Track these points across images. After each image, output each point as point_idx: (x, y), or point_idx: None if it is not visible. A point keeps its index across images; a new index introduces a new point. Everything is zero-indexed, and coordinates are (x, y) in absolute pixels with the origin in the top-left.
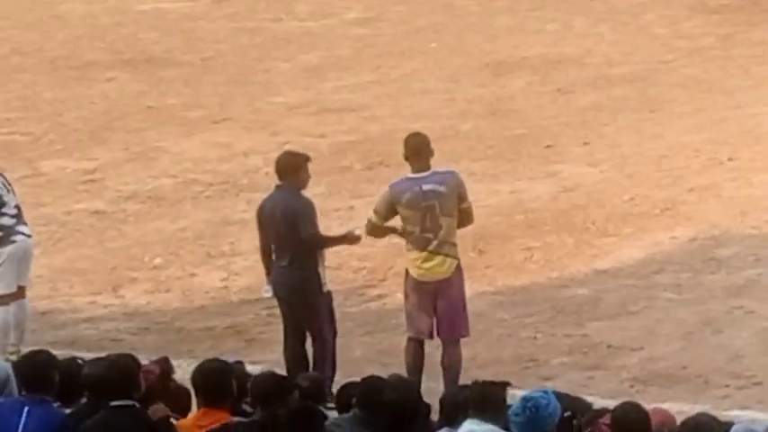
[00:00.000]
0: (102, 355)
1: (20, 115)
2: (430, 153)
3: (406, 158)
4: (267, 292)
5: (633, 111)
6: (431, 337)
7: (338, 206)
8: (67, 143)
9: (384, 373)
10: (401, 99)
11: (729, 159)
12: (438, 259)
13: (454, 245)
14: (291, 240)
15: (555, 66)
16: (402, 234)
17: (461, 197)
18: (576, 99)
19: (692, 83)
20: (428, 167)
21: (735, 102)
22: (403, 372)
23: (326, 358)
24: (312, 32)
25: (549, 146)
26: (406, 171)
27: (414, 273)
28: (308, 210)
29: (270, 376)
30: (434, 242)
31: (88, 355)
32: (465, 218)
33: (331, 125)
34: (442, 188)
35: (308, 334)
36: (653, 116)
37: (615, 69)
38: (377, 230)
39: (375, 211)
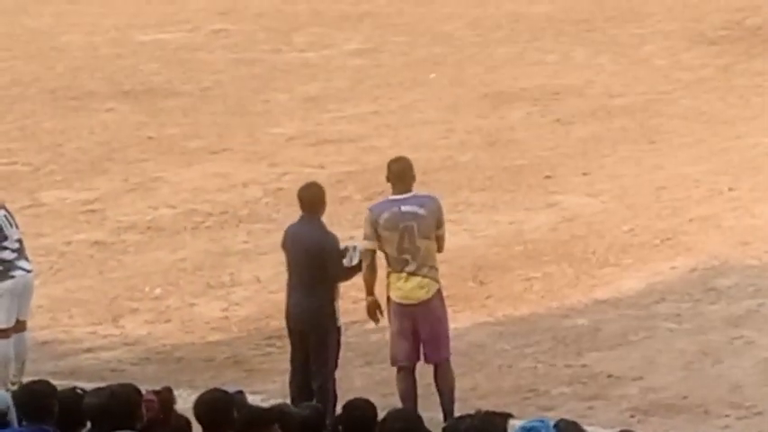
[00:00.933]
0: (103, 385)
1: (20, 146)
2: (412, 177)
3: (389, 180)
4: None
5: (633, 141)
6: (413, 361)
7: (338, 236)
8: (67, 174)
9: (384, 404)
10: (400, 130)
11: (730, 190)
12: (416, 281)
13: (434, 268)
14: (312, 274)
15: (554, 97)
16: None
17: (439, 222)
18: (576, 130)
19: (692, 114)
20: (409, 191)
21: (735, 132)
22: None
23: (328, 390)
24: (311, 63)
25: (548, 176)
26: None
27: (393, 295)
28: (336, 247)
29: (254, 408)
30: (412, 264)
31: (89, 386)
32: (439, 245)
33: (330, 156)
34: (421, 210)
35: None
36: (653, 147)
37: (615, 100)
38: (371, 265)
39: (365, 237)
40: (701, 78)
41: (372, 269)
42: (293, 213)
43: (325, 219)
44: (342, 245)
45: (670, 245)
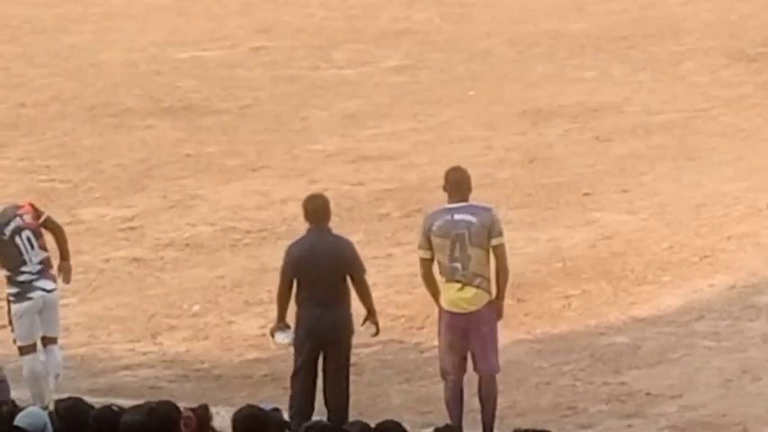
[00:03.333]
0: (142, 402)
1: (59, 162)
2: (468, 188)
3: (445, 189)
4: (287, 338)
5: (672, 159)
6: (461, 374)
7: (376, 254)
8: (106, 191)
9: (422, 421)
10: (439, 147)
11: None
12: (468, 290)
13: (486, 279)
14: (336, 284)
15: (593, 114)
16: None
17: (492, 232)
18: (615, 147)
19: (731, 131)
20: (465, 200)
21: None
22: (444, 420)
23: (348, 401)
24: (350, 80)
25: (587, 194)
26: None
27: (443, 304)
28: (356, 250)
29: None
30: (462, 272)
31: (127, 403)
32: (497, 257)
33: (369, 173)
34: (473, 219)
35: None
36: (692, 164)
37: (654, 117)
38: (427, 274)
39: (419, 246)
40: (740, 95)
41: (429, 279)
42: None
43: (362, 236)
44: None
45: (709, 262)
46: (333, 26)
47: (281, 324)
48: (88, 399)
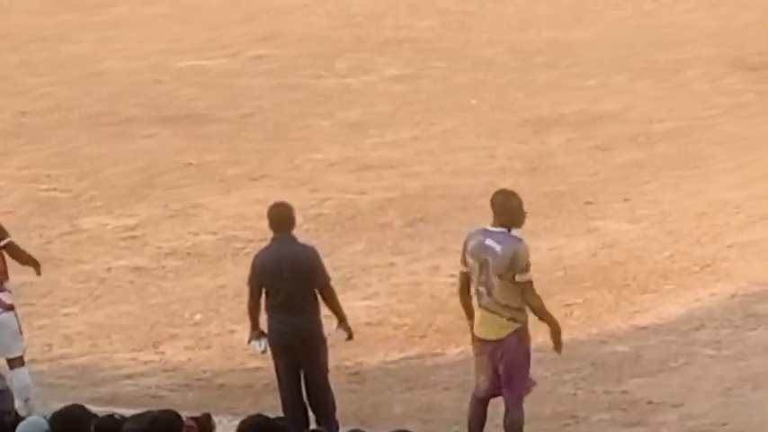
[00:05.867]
0: (143, 411)
1: (60, 172)
2: (508, 213)
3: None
4: (261, 346)
5: (673, 167)
6: (487, 396)
7: (378, 263)
8: (107, 200)
9: (425, 430)
10: (441, 155)
11: None
12: (492, 318)
13: (512, 308)
14: (302, 290)
15: (595, 122)
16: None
17: (515, 268)
18: (616, 156)
19: (733, 139)
20: (504, 225)
21: None
22: (444, 429)
23: (334, 406)
24: (352, 89)
25: (588, 202)
26: (447, 227)
27: (474, 329)
28: (320, 259)
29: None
30: (486, 298)
31: (128, 412)
32: (523, 293)
33: (371, 182)
34: (498, 248)
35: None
36: (693, 173)
37: (655, 126)
38: (462, 289)
39: (461, 260)
40: (741, 104)
41: (463, 294)
42: (334, 239)
43: (365, 244)
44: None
45: (710, 271)
46: (335, 35)
47: (256, 332)
48: (90, 408)
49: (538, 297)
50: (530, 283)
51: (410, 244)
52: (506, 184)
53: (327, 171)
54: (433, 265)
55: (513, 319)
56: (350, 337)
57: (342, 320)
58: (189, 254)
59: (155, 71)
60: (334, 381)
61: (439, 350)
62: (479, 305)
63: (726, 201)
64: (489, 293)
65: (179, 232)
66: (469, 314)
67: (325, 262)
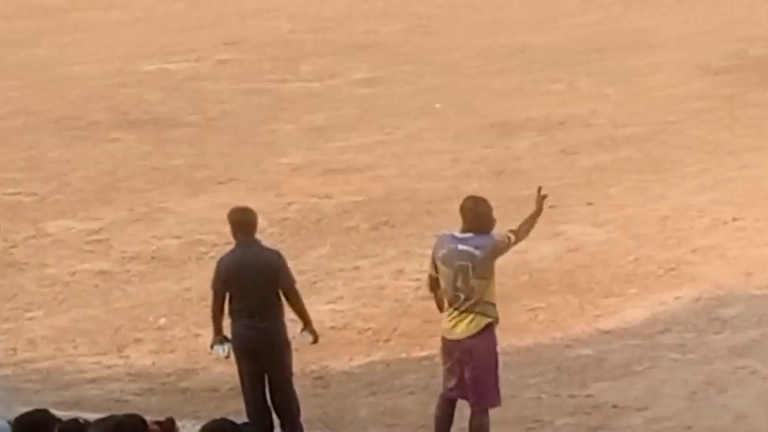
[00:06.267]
0: (108, 414)
1: (25, 175)
2: (478, 218)
3: (461, 215)
4: (224, 351)
5: (638, 171)
6: (456, 398)
7: (343, 266)
8: (72, 203)
9: None
10: (406, 159)
11: (734, 220)
12: (466, 318)
13: (488, 304)
14: (267, 294)
15: (560, 126)
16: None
17: (497, 250)
18: (581, 160)
19: (697, 144)
20: (474, 230)
21: (740, 162)
22: None
23: (298, 410)
24: (317, 93)
25: (553, 206)
26: (412, 231)
27: (443, 331)
28: (285, 262)
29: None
30: (465, 303)
31: (93, 416)
32: (519, 233)
33: (336, 185)
34: (476, 252)
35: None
36: (658, 177)
37: (620, 130)
38: (434, 288)
39: (430, 264)
40: (706, 108)
41: (436, 288)
42: (299, 243)
43: (330, 248)
44: (217, 338)
45: (674, 275)
46: (300, 39)
47: (219, 337)
48: (54, 412)
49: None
50: (512, 231)
51: (375, 248)
52: (471, 188)
53: (293, 175)
54: (397, 268)
55: (484, 314)
56: (315, 341)
57: (307, 324)
58: (154, 258)
59: (120, 75)
60: (299, 385)
61: (404, 354)
62: (455, 309)
63: (690, 205)
64: (468, 297)
65: (144, 236)
66: (441, 306)
67: (290, 266)
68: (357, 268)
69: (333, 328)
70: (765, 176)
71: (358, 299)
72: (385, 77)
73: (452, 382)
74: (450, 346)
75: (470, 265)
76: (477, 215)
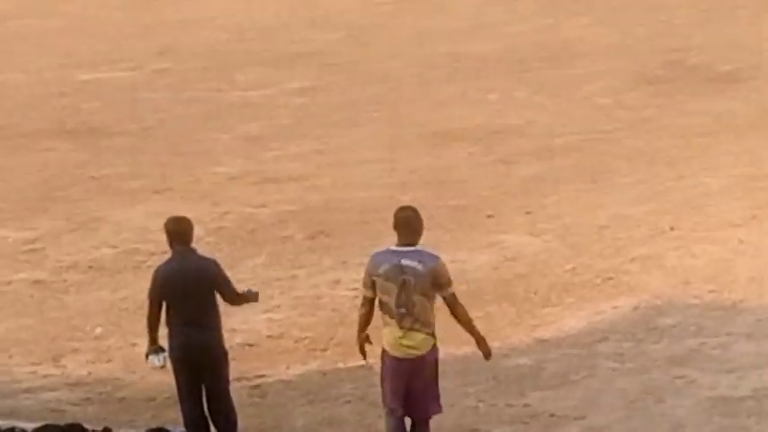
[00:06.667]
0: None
1: None
2: (416, 230)
3: (395, 229)
4: (159, 361)
5: (575, 181)
6: (404, 415)
7: (279, 276)
8: (8, 213)
9: None
10: (342, 169)
11: (671, 229)
12: (414, 336)
13: (431, 324)
14: (204, 303)
15: (496, 136)
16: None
17: (440, 283)
18: (518, 169)
19: (634, 153)
20: (413, 244)
21: (676, 172)
22: None
23: (235, 419)
24: (253, 102)
25: (490, 216)
26: (348, 240)
27: (389, 349)
28: (222, 269)
29: None
30: (408, 319)
31: (29, 426)
32: (450, 306)
33: (272, 195)
34: (419, 267)
35: (203, 396)
36: (595, 186)
37: (556, 140)
38: (367, 314)
39: (363, 284)
40: (641, 118)
41: (367, 315)
42: (235, 252)
43: (265, 258)
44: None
45: (612, 284)
46: (235, 48)
47: (154, 347)
48: None
49: (465, 309)
50: (454, 296)
51: (311, 257)
52: (408, 197)
53: (228, 184)
54: (334, 278)
55: (432, 335)
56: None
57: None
58: (90, 267)
59: (56, 85)
60: (236, 394)
61: (340, 363)
62: (399, 325)
63: (627, 214)
64: (410, 313)
65: (80, 245)
66: (361, 333)
67: (227, 275)
68: (294, 277)
69: (270, 337)
70: (701, 186)
71: (295, 308)
72: (320, 87)
73: (398, 402)
74: (399, 365)
75: (413, 280)
76: (413, 226)
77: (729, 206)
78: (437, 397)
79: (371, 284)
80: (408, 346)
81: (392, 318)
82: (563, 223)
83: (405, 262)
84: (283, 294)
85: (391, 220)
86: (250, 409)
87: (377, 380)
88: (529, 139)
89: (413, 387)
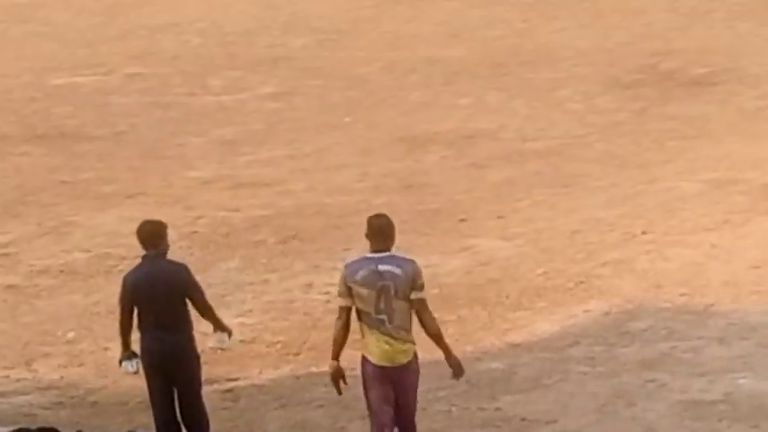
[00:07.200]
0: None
1: None
2: (390, 236)
3: (367, 237)
4: (132, 366)
5: (547, 185)
6: (393, 428)
7: (252, 280)
8: None
9: None
10: (315, 173)
11: (643, 233)
12: (398, 344)
13: (408, 330)
14: (175, 308)
15: (469, 140)
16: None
17: (415, 285)
18: (490, 173)
19: (606, 158)
20: (388, 250)
21: (649, 176)
22: None
23: (207, 424)
24: (226, 107)
25: (462, 220)
26: (321, 245)
27: (372, 357)
28: (192, 275)
29: None
30: (388, 325)
31: (2, 429)
32: (419, 310)
33: (245, 199)
34: (398, 271)
35: (175, 401)
36: (567, 191)
37: (529, 144)
38: (345, 324)
39: (339, 294)
40: (615, 122)
41: (345, 328)
42: (207, 257)
43: (238, 262)
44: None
45: (584, 288)
46: (208, 53)
47: (127, 353)
48: None
49: (435, 318)
50: (425, 301)
51: (284, 261)
52: (380, 201)
53: (202, 189)
54: (306, 282)
55: (413, 342)
56: (230, 335)
57: (220, 327)
58: (62, 271)
59: (28, 89)
60: (208, 398)
61: (313, 367)
62: (380, 333)
63: (599, 218)
64: (391, 320)
65: (52, 250)
66: (337, 353)
67: (199, 279)
68: (266, 282)
69: (242, 341)
70: (674, 190)
71: (267, 312)
72: (293, 91)
73: (386, 408)
74: (384, 373)
75: (393, 285)
76: (388, 232)
77: (702, 210)
78: (416, 407)
79: (348, 293)
80: (396, 354)
81: (372, 325)
82: (535, 227)
83: (382, 267)
84: (256, 299)
85: (364, 225)
86: (223, 413)
87: (349, 383)
88: (501, 143)
89: (398, 396)
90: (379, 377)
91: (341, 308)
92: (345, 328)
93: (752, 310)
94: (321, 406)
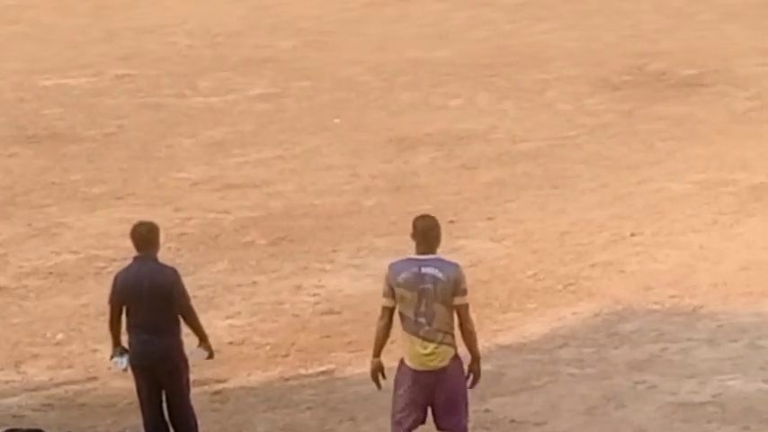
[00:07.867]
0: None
1: None
2: (436, 238)
3: (413, 238)
4: (122, 363)
5: (537, 187)
6: (414, 428)
7: (241, 282)
8: None
9: None
10: (305, 175)
11: (632, 235)
12: (434, 347)
13: (450, 335)
14: (162, 311)
15: (459, 141)
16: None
17: (456, 291)
18: (480, 175)
19: (596, 159)
20: (433, 252)
21: (638, 177)
22: None
23: (196, 426)
24: (215, 108)
25: (452, 221)
26: (310, 246)
27: (408, 360)
28: (180, 279)
29: None
30: (427, 328)
31: None
32: (461, 317)
33: (234, 201)
34: (440, 274)
35: (164, 402)
36: (556, 192)
37: (519, 145)
38: (387, 325)
39: (383, 294)
40: (604, 123)
41: (387, 327)
42: (197, 258)
43: (228, 263)
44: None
45: (573, 290)
46: (197, 54)
47: (119, 348)
48: None
49: (474, 325)
50: (467, 306)
51: (273, 263)
52: (370, 203)
53: (191, 190)
54: (295, 284)
55: (451, 345)
56: (210, 356)
57: (203, 340)
58: (51, 273)
59: (17, 90)
60: (197, 400)
61: (302, 369)
62: (418, 336)
63: (589, 220)
64: (430, 323)
65: (41, 251)
66: (378, 350)
67: (189, 281)
68: (255, 283)
69: (231, 343)
70: (663, 191)
71: (256, 314)
72: (283, 93)
73: (413, 415)
74: (418, 377)
75: (433, 288)
76: (435, 238)
77: (691, 211)
78: (466, 407)
79: (392, 294)
80: (430, 358)
81: (410, 329)
82: (524, 229)
83: (425, 270)
84: (245, 300)
85: (353, 226)
86: (211, 415)
87: (338, 385)
88: (491, 144)
89: (436, 401)
90: (412, 380)
91: (384, 308)
92: (387, 327)
93: (741, 311)
94: (309, 408)
